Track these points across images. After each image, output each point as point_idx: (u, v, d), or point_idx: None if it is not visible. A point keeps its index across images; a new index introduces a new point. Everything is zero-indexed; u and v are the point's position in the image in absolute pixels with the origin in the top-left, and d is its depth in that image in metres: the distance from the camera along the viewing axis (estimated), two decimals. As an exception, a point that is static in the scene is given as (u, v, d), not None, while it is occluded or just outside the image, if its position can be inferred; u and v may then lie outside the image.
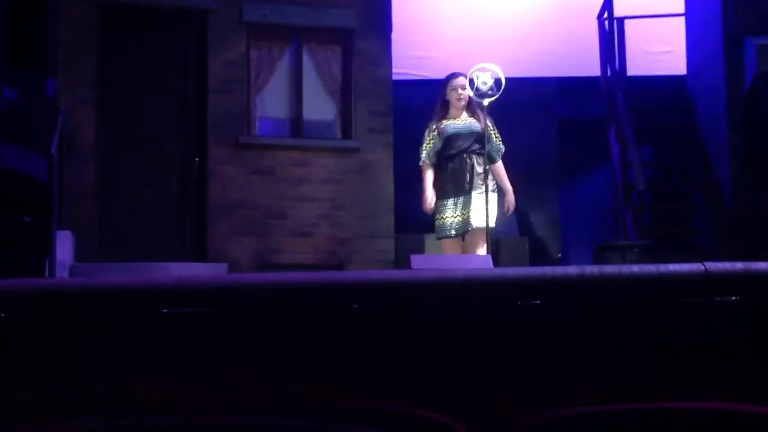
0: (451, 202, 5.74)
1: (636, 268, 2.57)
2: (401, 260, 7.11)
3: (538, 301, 2.44)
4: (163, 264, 6.54)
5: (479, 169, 5.71)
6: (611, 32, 8.32)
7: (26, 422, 2.36)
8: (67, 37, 7.11)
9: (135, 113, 7.35)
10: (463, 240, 5.74)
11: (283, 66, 7.75)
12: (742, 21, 7.54)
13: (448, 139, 5.80)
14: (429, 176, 5.88)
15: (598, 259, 6.53)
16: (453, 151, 5.79)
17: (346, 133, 7.78)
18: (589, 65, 8.60)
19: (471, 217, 5.63)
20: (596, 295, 2.44)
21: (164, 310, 2.46)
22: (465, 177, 5.72)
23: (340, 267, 7.42)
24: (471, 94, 5.69)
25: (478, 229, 5.58)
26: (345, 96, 7.81)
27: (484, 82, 5.47)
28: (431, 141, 5.92)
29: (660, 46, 9.17)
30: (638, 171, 7.01)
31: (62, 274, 5.92)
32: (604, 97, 8.24)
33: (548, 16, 9.05)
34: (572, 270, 2.54)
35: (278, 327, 2.47)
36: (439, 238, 5.85)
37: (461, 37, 8.63)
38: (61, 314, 2.48)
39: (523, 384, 2.34)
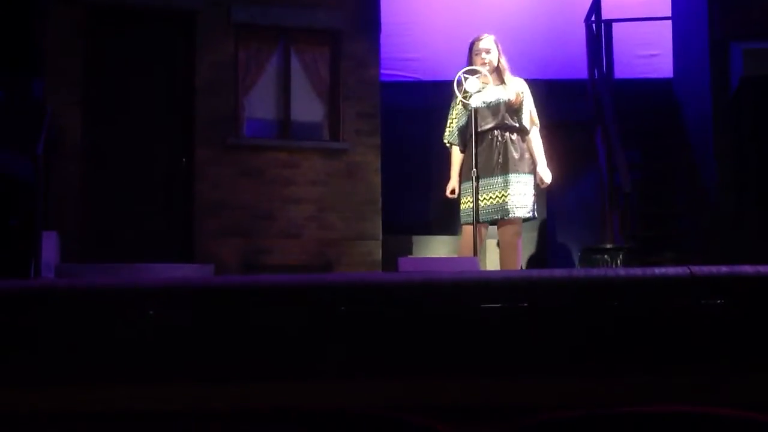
0: (478, 184, 5.13)
1: (622, 271, 2.59)
2: (389, 262, 7.12)
3: (526, 304, 2.45)
4: (149, 265, 6.51)
5: (514, 150, 5.23)
6: (598, 35, 8.35)
7: (9, 422, 2.34)
8: (54, 39, 7.08)
9: (122, 114, 7.32)
10: (496, 226, 5.29)
11: (271, 67, 7.73)
12: (728, 25, 7.58)
13: (475, 112, 5.12)
14: (455, 158, 5.38)
15: (585, 262, 6.55)
16: (481, 128, 5.18)
17: (334, 134, 7.77)
18: (577, 68, 8.63)
19: (508, 203, 5.17)
20: (583, 298, 2.45)
21: (151, 312, 2.45)
22: (497, 157, 5.18)
23: (327, 268, 7.41)
24: (489, 62, 5.22)
25: (514, 217, 5.19)
26: (333, 97, 7.80)
27: (473, 84, 5.35)
28: (456, 116, 5.40)
29: (647, 50, 9.21)
30: (625, 174, 7.03)
31: (48, 274, 5.89)
32: (591, 99, 8.26)
33: (536, 19, 9.07)
34: (559, 273, 2.55)
35: (265, 329, 2.47)
36: (463, 224, 5.32)
37: (449, 38, 8.64)
38: (47, 315, 2.47)
39: (508, 387, 2.34)
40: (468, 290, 2.51)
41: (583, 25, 8.55)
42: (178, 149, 7.40)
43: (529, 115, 5.37)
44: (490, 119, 5.27)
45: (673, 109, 8.59)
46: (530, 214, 5.30)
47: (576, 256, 7.81)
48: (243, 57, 7.62)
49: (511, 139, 5.28)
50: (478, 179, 5.08)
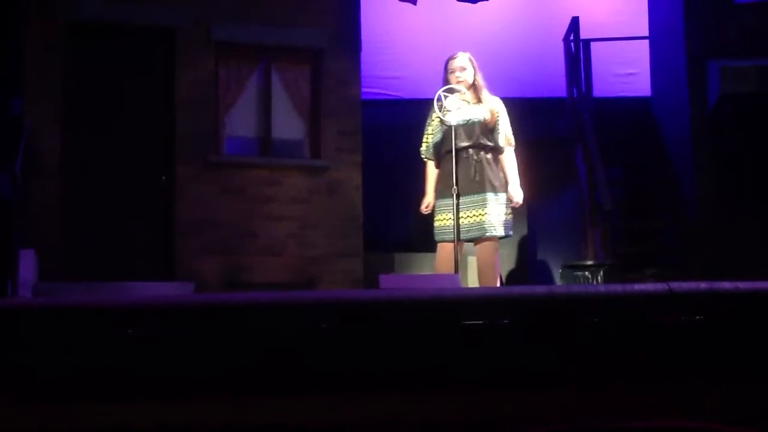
0: (453, 202, 5.13)
1: (602, 288, 2.60)
2: (370, 279, 7.10)
3: (506, 321, 2.45)
4: (129, 283, 6.44)
5: (490, 169, 5.28)
6: (577, 54, 8.42)
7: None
8: (32, 55, 7.04)
9: (101, 131, 7.28)
10: (474, 244, 5.33)
11: (252, 85, 7.73)
12: (704, 44, 7.68)
13: (450, 130, 5.15)
14: (429, 173, 5.43)
15: (566, 279, 6.57)
16: (457, 146, 5.15)
17: (315, 152, 7.77)
18: (556, 86, 8.70)
19: (485, 222, 5.21)
20: (563, 315, 2.46)
21: (129, 331, 2.43)
22: (474, 175, 5.22)
23: (309, 286, 7.39)
24: (468, 78, 5.29)
25: (492, 236, 5.21)
26: (314, 115, 7.81)
27: (452, 102, 5.36)
28: (432, 132, 5.43)
29: (625, 68, 9.31)
30: (605, 191, 7.08)
31: (25, 293, 5.82)
32: (571, 117, 8.32)
33: (515, 38, 9.15)
34: (540, 289, 2.56)
35: (246, 346, 2.45)
36: (438, 241, 5.38)
37: (430, 57, 8.69)
38: (24, 334, 2.44)
39: (489, 404, 2.34)
40: (450, 307, 2.51)
41: (561, 44, 8.62)
42: (158, 166, 7.37)
43: (504, 135, 5.39)
44: (464, 137, 5.28)
45: (652, 127, 8.67)
46: (506, 233, 5.33)
47: (557, 272, 7.84)
48: (223, 74, 7.61)
49: (486, 158, 5.30)
50: (458, 197, 5.10)
